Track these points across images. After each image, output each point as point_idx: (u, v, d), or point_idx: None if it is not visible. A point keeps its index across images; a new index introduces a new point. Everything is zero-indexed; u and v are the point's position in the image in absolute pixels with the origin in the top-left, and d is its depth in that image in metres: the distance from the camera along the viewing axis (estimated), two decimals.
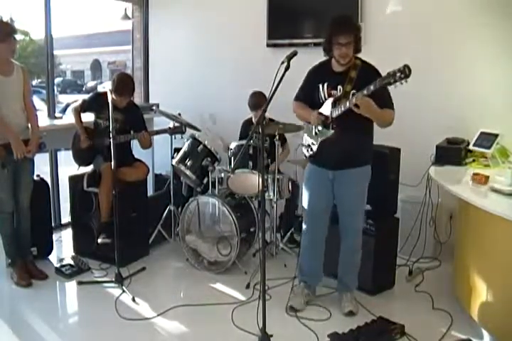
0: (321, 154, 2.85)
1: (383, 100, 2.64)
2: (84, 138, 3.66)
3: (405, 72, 2.34)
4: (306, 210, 2.99)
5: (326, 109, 2.73)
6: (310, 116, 2.78)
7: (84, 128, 3.71)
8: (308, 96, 2.86)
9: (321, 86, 2.79)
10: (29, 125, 3.24)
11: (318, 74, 2.83)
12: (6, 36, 3.02)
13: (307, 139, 2.93)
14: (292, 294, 3.04)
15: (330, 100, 2.72)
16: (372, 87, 2.48)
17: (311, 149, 2.89)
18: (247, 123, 4.14)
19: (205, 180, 3.74)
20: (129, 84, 3.58)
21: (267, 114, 2.56)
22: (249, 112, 4.01)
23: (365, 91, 2.51)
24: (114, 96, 3.41)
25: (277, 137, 3.51)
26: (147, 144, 3.66)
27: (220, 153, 3.78)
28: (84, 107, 3.70)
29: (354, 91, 2.63)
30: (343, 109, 2.62)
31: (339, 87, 2.71)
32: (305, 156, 2.98)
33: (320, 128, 2.79)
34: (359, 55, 2.78)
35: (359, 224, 2.92)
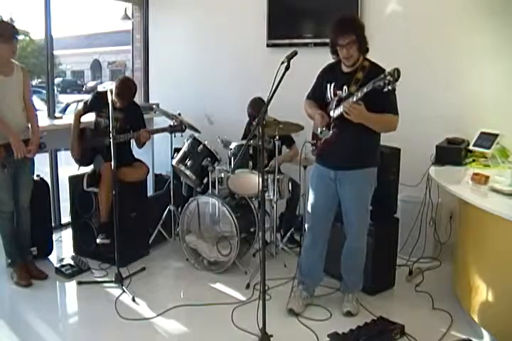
0: (323, 153, 2.87)
1: (385, 104, 2.63)
2: (75, 146, 3.68)
3: (394, 75, 2.39)
4: (309, 208, 3.00)
5: (331, 109, 2.75)
6: (315, 116, 2.80)
7: (85, 129, 3.71)
8: (317, 96, 2.88)
9: (328, 85, 2.80)
10: (29, 125, 3.24)
11: (328, 74, 2.84)
12: (9, 38, 3.02)
13: (313, 137, 2.96)
14: (291, 296, 3.02)
15: (335, 100, 2.73)
16: (359, 94, 2.51)
17: (315, 147, 2.92)
18: (250, 123, 4.13)
19: (205, 180, 3.73)
20: (131, 90, 3.61)
21: (269, 114, 2.57)
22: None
23: (354, 98, 2.53)
24: (114, 98, 3.42)
25: (277, 137, 3.50)
26: (143, 143, 3.66)
27: (220, 153, 3.78)
28: (86, 109, 3.72)
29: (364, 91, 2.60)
30: (341, 111, 2.63)
31: (345, 87, 2.71)
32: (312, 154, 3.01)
33: (323, 128, 2.80)
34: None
35: (360, 226, 2.89)
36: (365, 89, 2.50)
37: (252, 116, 3.95)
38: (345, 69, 2.77)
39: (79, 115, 3.70)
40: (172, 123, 3.76)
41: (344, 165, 2.78)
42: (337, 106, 2.70)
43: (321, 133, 2.83)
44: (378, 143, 2.87)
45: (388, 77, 2.39)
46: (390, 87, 2.42)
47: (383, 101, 2.60)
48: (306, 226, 3.02)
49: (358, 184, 2.80)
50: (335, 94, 2.76)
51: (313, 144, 2.95)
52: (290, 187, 3.63)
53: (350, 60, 2.67)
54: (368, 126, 2.63)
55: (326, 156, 2.86)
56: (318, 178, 2.92)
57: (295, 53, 2.36)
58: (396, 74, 2.39)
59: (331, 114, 2.74)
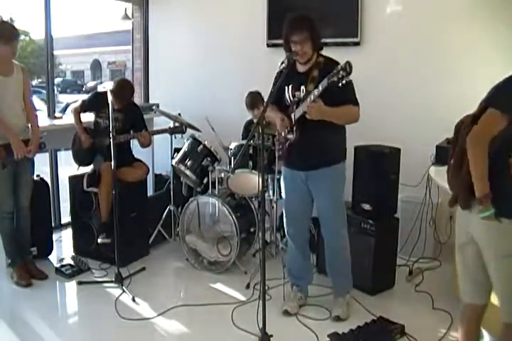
0: (290, 156, 2.83)
1: (345, 96, 2.59)
2: (85, 137, 3.66)
3: (346, 69, 2.37)
4: (284, 213, 2.98)
5: (292, 111, 2.72)
6: (276, 120, 2.76)
7: (84, 129, 3.71)
8: (277, 99, 2.79)
9: (286, 88, 2.75)
10: (29, 125, 3.24)
11: (284, 76, 2.66)
12: (9, 39, 3.02)
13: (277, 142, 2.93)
14: (286, 298, 3.02)
15: (294, 102, 2.70)
16: (316, 93, 2.49)
17: (281, 152, 2.88)
18: (249, 124, 4.14)
19: (205, 180, 3.73)
20: (127, 91, 3.60)
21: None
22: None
23: (311, 97, 2.52)
24: (112, 99, 3.43)
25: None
26: (147, 143, 3.66)
27: (220, 153, 3.78)
28: (84, 107, 3.71)
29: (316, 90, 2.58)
30: (301, 112, 2.61)
31: (302, 87, 2.67)
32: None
33: (286, 131, 2.76)
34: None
35: (337, 224, 2.86)
36: (320, 88, 2.48)
37: (248, 105, 3.98)
38: (300, 68, 2.73)
39: (77, 112, 3.69)
40: (172, 125, 3.76)
41: (312, 165, 2.75)
42: (297, 107, 2.67)
43: (286, 136, 2.78)
44: (343, 138, 2.83)
45: (341, 72, 2.38)
46: (344, 82, 2.41)
47: (342, 94, 2.56)
48: (285, 230, 3.00)
49: (329, 182, 2.77)
50: (293, 96, 2.72)
51: (278, 149, 2.91)
52: None
53: (304, 56, 2.64)
54: (331, 120, 2.60)
55: (293, 158, 2.82)
56: (289, 181, 2.90)
57: (295, 53, 2.35)
58: (348, 68, 2.37)
59: (292, 116, 2.70)
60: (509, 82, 1.83)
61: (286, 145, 2.79)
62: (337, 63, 2.59)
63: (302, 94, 2.66)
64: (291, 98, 2.73)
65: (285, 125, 2.71)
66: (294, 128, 2.71)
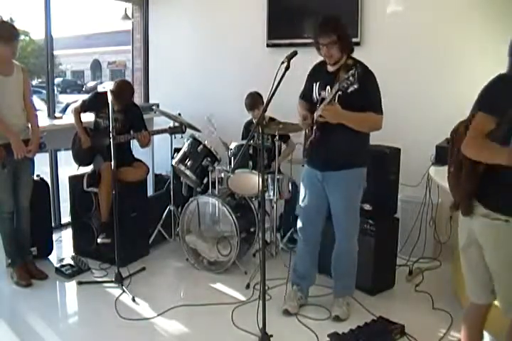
0: (310, 154, 2.85)
1: (367, 102, 2.60)
2: (85, 138, 3.67)
3: (355, 76, 2.43)
4: (300, 209, 2.99)
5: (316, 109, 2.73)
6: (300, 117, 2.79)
7: (84, 129, 3.71)
8: (307, 96, 2.87)
9: (314, 85, 2.79)
10: (29, 125, 3.24)
11: (315, 73, 2.85)
12: (9, 39, 3.02)
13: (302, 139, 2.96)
14: (286, 297, 3.02)
15: (319, 101, 2.72)
16: (331, 96, 2.53)
17: (304, 149, 2.90)
18: (249, 124, 4.15)
19: (205, 180, 3.73)
20: (127, 93, 3.61)
21: (268, 113, 2.58)
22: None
23: (327, 100, 2.55)
24: (112, 99, 3.43)
25: (277, 137, 3.50)
26: (146, 143, 3.66)
27: (220, 153, 3.78)
28: (84, 107, 3.71)
29: (340, 92, 2.59)
30: (318, 113, 2.63)
31: (328, 87, 2.69)
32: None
33: (307, 129, 2.80)
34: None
35: (348, 228, 2.84)
36: (333, 91, 2.53)
37: (248, 105, 3.98)
38: (330, 68, 2.76)
39: (77, 112, 3.69)
40: (172, 125, 3.77)
41: (329, 166, 2.75)
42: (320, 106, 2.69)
43: (306, 133, 2.82)
44: (365, 143, 2.82)
45: (350, 78, 2.43)
46: (352, 88, 2.48)
47: (365, 100, 2.58)
48: (297, 227, 3.01)
49: (344, 185, 2.76)
50: (319, 94, 2.75)
51: (303, 145, 2.94)
52: (290, 188, 3.63)
53: (331, 59, 2.68)
54: (349, 125, 2.61)
55: (312, 157, 2.84)
56: (307, 180, 2.90)
57: (295, 53, 2.36)
58: (356, 74, 2.42)
59: (314, 115, 2.72)
60: (495, 83, 1.89)
61: (307, 143, 2.81)
62: (364, 66, 2.62)
63: (327, 94, 2.68)
64: (317, 96, 2.76)
65: (307, 123, 2.74)
66: (315, 127, 2.72)
